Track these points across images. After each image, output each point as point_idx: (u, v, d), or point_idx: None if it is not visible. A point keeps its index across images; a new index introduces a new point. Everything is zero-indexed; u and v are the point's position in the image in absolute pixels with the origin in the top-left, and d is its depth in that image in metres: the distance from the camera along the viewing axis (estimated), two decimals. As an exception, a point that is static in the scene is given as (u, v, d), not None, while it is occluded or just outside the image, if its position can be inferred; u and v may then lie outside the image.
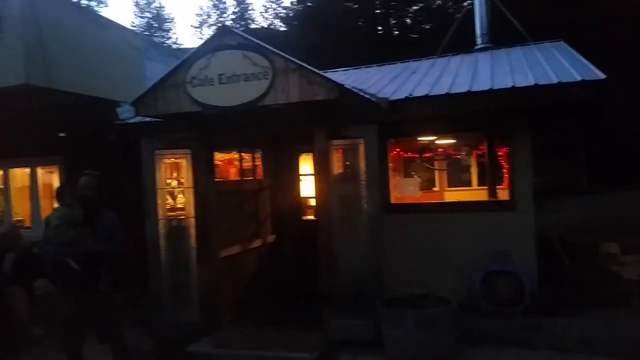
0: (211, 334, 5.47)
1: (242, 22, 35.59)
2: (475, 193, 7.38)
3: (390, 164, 6.41)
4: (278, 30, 27.02)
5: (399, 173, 7.24)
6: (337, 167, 5.48)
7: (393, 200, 6.25)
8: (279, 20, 28.52)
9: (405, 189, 6.67)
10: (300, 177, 7.48)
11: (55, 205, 4.53)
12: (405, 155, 7.25)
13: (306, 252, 6.42)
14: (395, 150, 6.79)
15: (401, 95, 5.68)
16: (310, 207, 7.55)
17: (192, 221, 5.80)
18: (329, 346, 5.04)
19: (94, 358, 4.38)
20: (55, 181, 9.16)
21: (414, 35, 22.62)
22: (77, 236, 4.02)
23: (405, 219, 6.02)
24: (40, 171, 9.02)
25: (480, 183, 7.47)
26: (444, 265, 5.67)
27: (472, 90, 5.33)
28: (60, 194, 4.32)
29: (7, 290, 5.74)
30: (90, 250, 4.00)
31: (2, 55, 5.98)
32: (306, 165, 7.50)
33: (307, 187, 7.43)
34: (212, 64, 4.83)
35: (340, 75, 7.58)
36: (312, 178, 7.45)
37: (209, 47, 4.88)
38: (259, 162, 7.32)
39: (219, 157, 6.88)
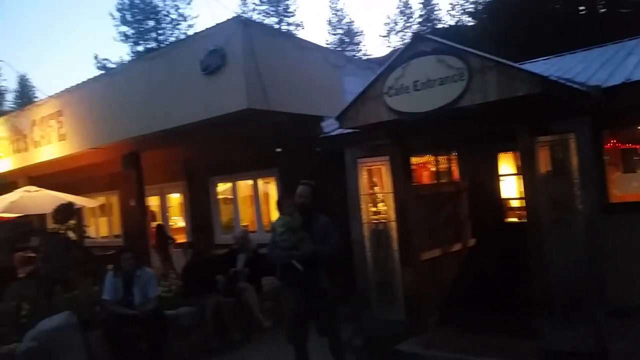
0: (417, 335, 5.59)
1: (429, 24, 35.36)
2: None
3: (607, 158, 5.75)
4: (466, 27, 26.11)
5: (617, 168, 6.43)
6: (544, 165, 5.13)
7: (612, 199, 5.58)
8: (466, 15, 27.56)
9: (627, 186, 5.90)
10: (500, 178, 7.17)
11: (273, 212, 5.16)
12: (624, 147, 6.40)
13: (509, 256, 6.13)
14: (611, 142, 6.05)
15: (616, 80, 5.06)
16: (512, 209, 7.17)
17: (393, 225, 6.02)
18: (544, 356, 4.74)
19: (314, 349, 4.71)
20: (272, 190, 10.38)
21: (625, 10, 19.64)
22: (298, 240, 4.46)
23: (629, 219, 5.32)
24: (260, 182, 10.32)
25: None
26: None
27: None
28: (280, 204, 4.78)
29: (241, 285, 6.73)
30: (310, 252, 4.39)
31: (227, 85, 7.00)
32: (506, 165, 7.16)
33: (508, 188, 7.08)
34: (407, 73, 4.96)
35: (540, 66, 7.06)
36: (513, 178, 7.12)
37: (404, 57, 5.03)
38: (455, 164, 7.25)
39: (415, 161, 7.00)
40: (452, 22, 30.21)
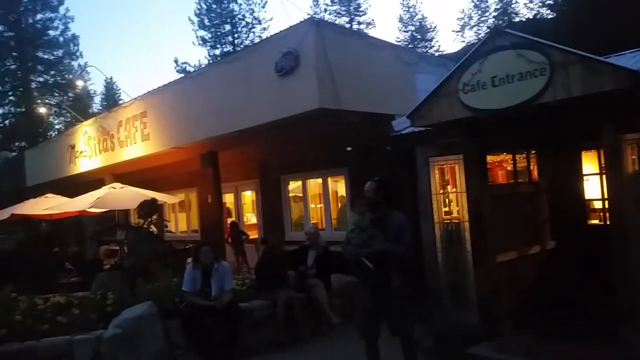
0: (490, 339, 5.42)
1: (505, 18, 34.08)
2: None
3: None
4: (545, 19, 24.93)
5: None
6: (631, 164, 4.82)
7: None
8: (545, 8, 26.29)
9: None
10: (583, 178, 6.79)
11: (342, 210, 5.15)
12: None
13: (591, 260, 5.79)
14: None
15: None
16: (594, 210, 6.77)
17: (467, 225, 5.88)
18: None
19: (387, 349, 4.65)
20: (341, 189, 10.47)
21: None
22: (369, 238, 4.42)
23: None
24: (330, 181, 10.43)
25: None
26: None
27: None
28: (353, 202, 4.80)
29: (311, 281, 6.85)
30: (379, 251, 4.33)
31: (300, 86, 7.13)
32: (589, 164, 6.77)
33: (591, 189, 6.69)
34: (484, 68, 4.84)
35: (628, 59, 6.59)
36: (596, 178, 6.71)
37: (481, 52, 4.90)
38: (533, 163, 6.94)
39: (490, 159, 6.78)
40: (530, 15, 28.97)
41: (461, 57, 5.60)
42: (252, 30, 40.56)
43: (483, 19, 38.69)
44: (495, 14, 36.89)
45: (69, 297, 6.42)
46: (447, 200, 6.16)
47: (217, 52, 40.19)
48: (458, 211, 5.99)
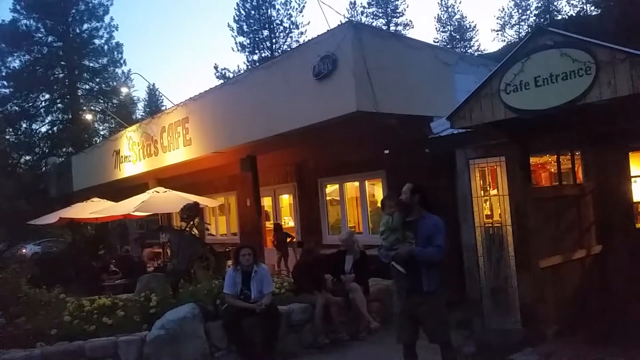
0: (534, 346, 5.27)
1: (547, 16, 33.22)
2: None
3: None
4: (589, 16, 24.15)
5: None
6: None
7: None
8: (590, 4, 25.45)
9: None
10: (631, 179, 6.52)
11: (379, 213, 5.09)
12: None
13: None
14: None
15: None
16: (644, 213, 6.50)
17: (509, 229, 5.75)
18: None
19: (429, 356, 4.57)
20: (378, 191, 10.42)
21: None
22: (399, 240, 4.35)
23: None
24: (367, 184, 10.40)
25: None
26: None
27: None
28: (383, 203, 4.69)
29: (349, 285, 6.83)
30: (406, 254, 4.23)
31: (337, 90, 7.13)
32: (637, 165, 6.49)
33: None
34: (526, 68, 4.72)
35: (682, 56, 6.31)
36: (648, 180, 6.44)
37: (523, 52, 4.79)
38: (578, 164, 6.72)
39: (533, 161, 6.60)
40: (573, 13, 28.11)
41: (502, 56, 5.50)
42: (290, 34, 41.02)
43: (524, 17, 37.86)
44: (536, 12, 36.04)
45: (114, 298, 6.64)
46: (488, 203, 6.03)
47: (256, 57, 40.84)
48: (500, 214, 5.86)
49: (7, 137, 36.64)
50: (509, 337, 5.53)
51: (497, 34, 41.17)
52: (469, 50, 39.83)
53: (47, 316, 6.10)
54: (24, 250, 24.26)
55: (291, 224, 13.10)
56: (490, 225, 5.93)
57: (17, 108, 37.44)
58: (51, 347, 5.32)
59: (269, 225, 12.70)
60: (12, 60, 37.27)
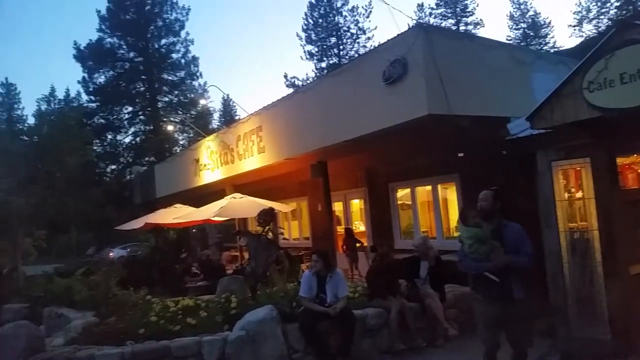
0: (623, 357, 4.97)
1: (629, 7, 31.11)
2: None
3: None
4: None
5: None
6: None
7: None
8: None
9: None
10: None
11: (453, 218, 4.94)
12: None
13: None
14: None
15: None
16: None
17: (595, 234, 5.45)
18: None
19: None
20: (451, 195, 10.20)
21: None
22: (490, 251, 4.30)
23: None
24: (439, 188, 10.22)
25: None
26: None
27: None
28: (463, 215, 4.60)
29: (425, 291, 6.75)
30: (503, 264, 4.23)
31: (408, 93, 7.07)
32: None
33: None
34: (611, 65, 4.49)
35: None
36: None
37: (608, 47, 4.56)
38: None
39: (620, 161, 6.20)
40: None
41: (580, 53, 5.26)
42: (357, 40, 41.22)
43: (603, 10, 35.64)
44: (617, 3, 33.82)
45: (197, 300, 6.96)
46: (573, 207, 5.74)
47: (324, 64, 41.39)
48: (586, 219, 5.56)
49: (95, 148, 39.45)
50: (596, 347, 5.24)
51: (574, 30, 39.07)
52: (544, 48, 38.04)
53: (135, 316, 6.46)
54: (111, 254, 25.98)
55: (362, 228, 13.11)
56: (575, 230, 5.65)
57: (102, 121, 40.31)
58: (140, 345, 5.64)
59: (340, 229, 12.79)
60: (98, 77, 40.25)
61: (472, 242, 4.37)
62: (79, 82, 40.47)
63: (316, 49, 41.88)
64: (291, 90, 34.37)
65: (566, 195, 5.78)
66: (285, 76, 43.07)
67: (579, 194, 5.65)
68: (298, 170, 11.07)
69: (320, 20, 41.47)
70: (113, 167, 41.09)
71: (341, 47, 41.35)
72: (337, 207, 13.09)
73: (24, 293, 11.13)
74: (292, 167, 10.90)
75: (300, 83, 39.00)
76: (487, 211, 4.38)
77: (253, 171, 11.51)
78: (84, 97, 41.26)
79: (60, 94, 46.24)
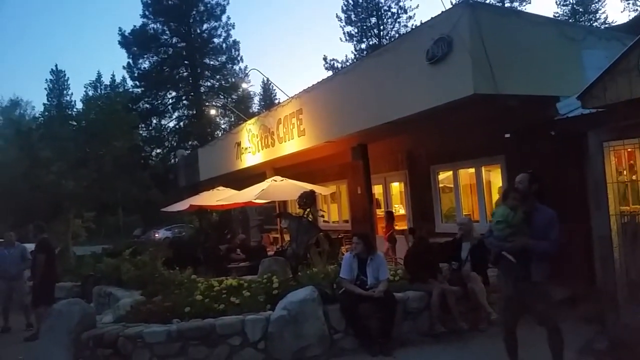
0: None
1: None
2: None
3: None
4: None
5: None
6: None
7: None
8: None
9: None
10: None
11: (496, 201, 4.89)
12: None
13: None
14: None
15: None
16: None
17: (650, 217, 5.21)
18: None
19: (534, 338, 4.65)
20: (495, 178, 9.96)
21: None
22: (513, 233, 4.35)
23: None
24: (483, 170, 9.99)
25: None
26: None
27: None
28: (506, 194, 4.62)
29: (467, 274, 6.66)
30: (519, 246, 4.30)
31: (453, 72, 6.89)
32: None
33: None
34: (671, 39, 4.25)
35: None
36: None
37: (668, 20, 4.30)
38: None
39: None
40: None
41: (635, 27, 4.96)
42: (398, 20, 40.45)
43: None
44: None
45: (240, 280, 7.11)
46: (625, 189, 5.50)
47: (363, 45, 40.88)
48: (639, 201, 5.32)
49: (140, 132, 40.59)
50: (647, 335, 5.03)
51: (628, 3, 36.96)
52: (594, 24, 36.24)
53: (181, 295, 6.64)
54: (156, 235, 26.86)
55: (402, 212, 13.02)
56: (627, 213, 5.42)
57: (147, 105, 41.39)
58: (186, 324, 5.80)
59: (380, 212, 12.73)
60: (142, 62, 41.24)
61: (500, 221, 4.43)
62: (124, 67, 41.68)
63: (356, 30, 41.36)
64: (330, 72, 34.25)
65: (618, 177, 5.54)
66: (325, 58, 42.87)
67: (634, 176, 5.40)
68: (338, 153, 11.06)
69: (360, 1, 40.85)
70: (158, 150, 42.25)
71: (382, 27, 40.68)
72: (377, 190, 13.03)
73: (75, 272, 11.63)
74: (332, 149, 10.89)
75: (339, 65, 38.70)
76: (522, 193, 4.44)
77: (293, 154, 11.57)
78: (129, 82, 42.43)
79: (106, 80, 47.71)
